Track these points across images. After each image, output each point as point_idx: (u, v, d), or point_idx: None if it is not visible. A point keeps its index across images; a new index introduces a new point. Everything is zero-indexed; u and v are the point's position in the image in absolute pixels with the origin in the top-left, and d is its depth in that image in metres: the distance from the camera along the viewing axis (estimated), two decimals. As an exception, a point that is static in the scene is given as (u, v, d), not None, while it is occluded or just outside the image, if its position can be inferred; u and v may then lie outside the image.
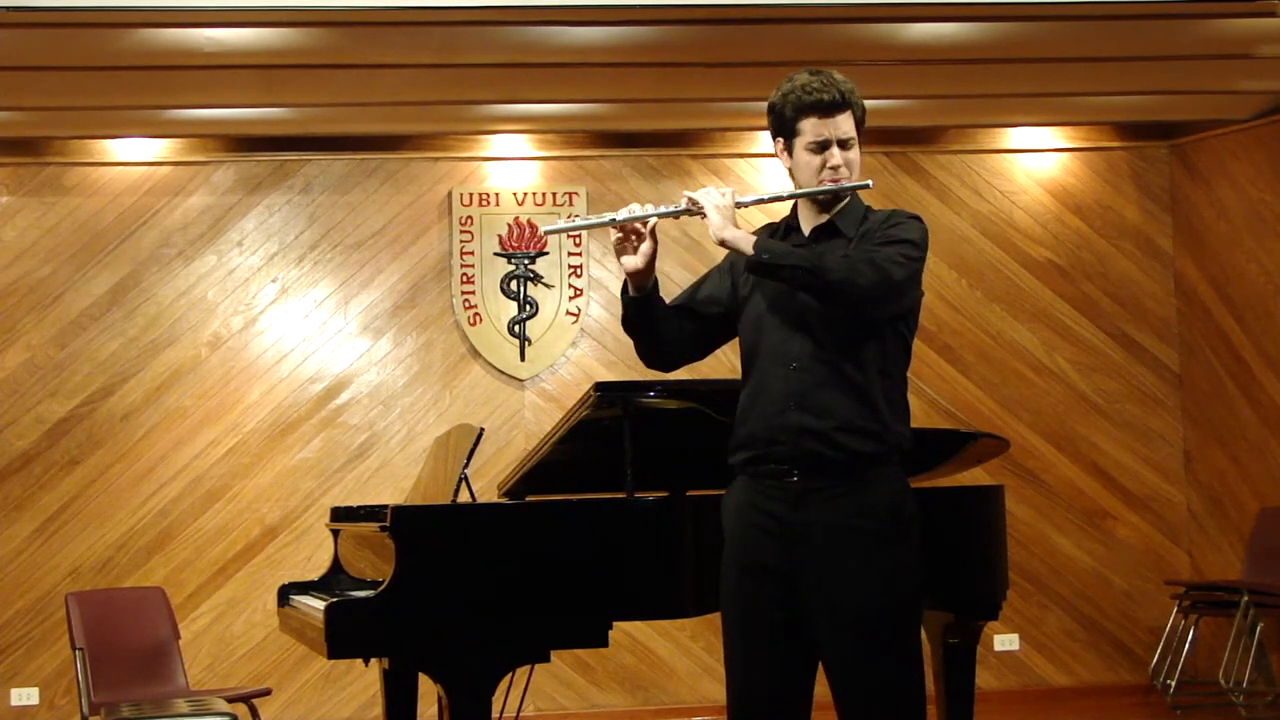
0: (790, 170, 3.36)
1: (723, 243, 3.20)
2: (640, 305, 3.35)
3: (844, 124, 3.28)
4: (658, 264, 3.40)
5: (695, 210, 3.24)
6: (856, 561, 3.18)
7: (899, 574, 3.22)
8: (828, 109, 3.25)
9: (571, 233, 3.50)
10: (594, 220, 3.36)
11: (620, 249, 3.31)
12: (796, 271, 3.15)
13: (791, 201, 3.42)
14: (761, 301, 3.31)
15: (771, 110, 3.34)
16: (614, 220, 3.27)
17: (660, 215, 3.28)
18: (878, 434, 3.23)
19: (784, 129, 3.32)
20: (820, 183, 3.28)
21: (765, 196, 3.37)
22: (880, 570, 3.19)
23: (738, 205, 3.25)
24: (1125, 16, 6.00)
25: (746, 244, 3.18)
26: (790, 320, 3.26)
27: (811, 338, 3.23)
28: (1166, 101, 7.54)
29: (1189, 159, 7.96)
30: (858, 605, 3.17)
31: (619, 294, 3.40)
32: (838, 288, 3.13)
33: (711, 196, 3.22)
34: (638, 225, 3.29)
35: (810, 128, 3.26)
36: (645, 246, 3.30)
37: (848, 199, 3.34)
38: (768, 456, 3.25)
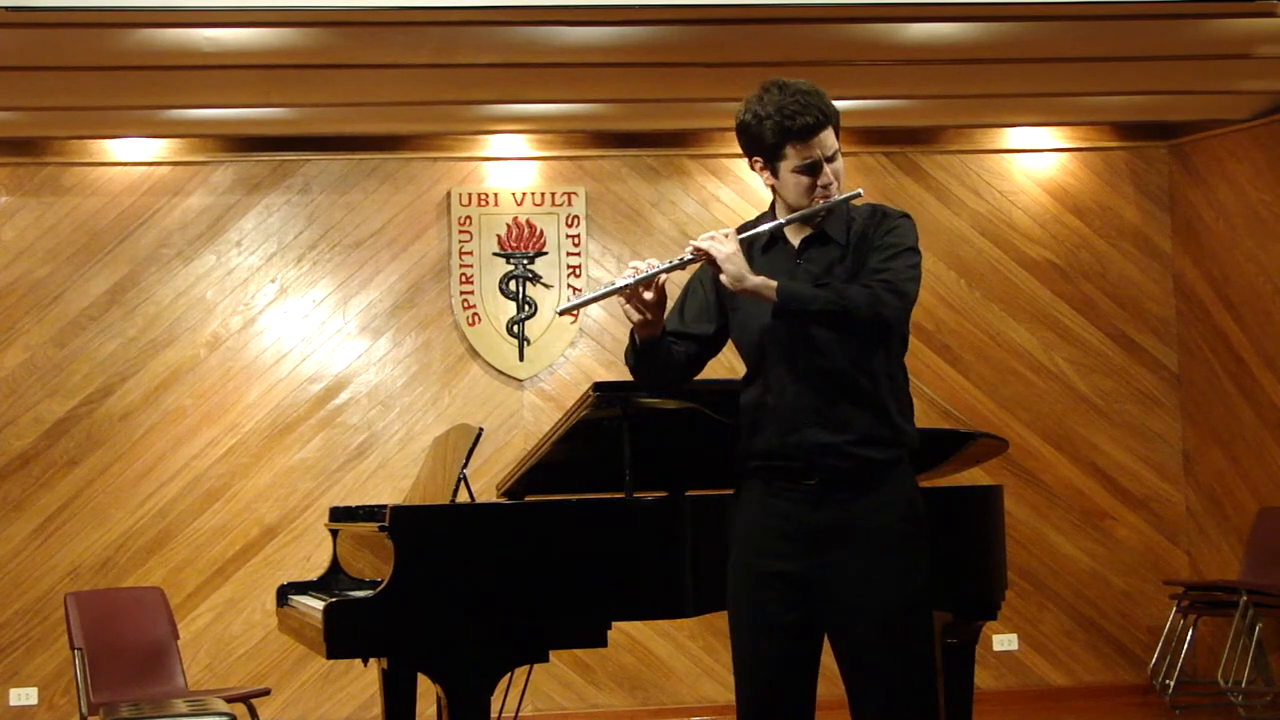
0: (774, 188, 3.33)
1: (744, 291, 3.14)
2: (648, 354, 3.31)
3: (828, 140, 3.24)
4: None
5: (701, 259, 3.18)
6: (876, 560, 3.19)
7: (915, 572, 3.24)
8: (813, 131, 3.21)
9: (585, 306, 3.47)
10: (606, 289, 3.25)
11: (629, 308, 3.23)
12: (825, 316, 3.14)
13: (770, 199, 3.40)
14: (758, 314, 3.26)
15: (746, 130, 3.29)
16: (627, 287, 3.18)
17: (668, 270, 3.20)
18: (893, 440, 3.25)
19: (764, 151, 3.27)
20: (813, 201, 3.25)
21: (764, 227, 3.31)
22: (898, 569, 3.21)
23: (739, 233, 3.21)
24: (1125, 16, 6.01)
25: (769, 291, 3.13)
26: (796, 334, 3.23)
27: (820, 352, 3.21)
28: (1165, 101, 7.54)
29: (1188, 159, 7.96)
30: (878, 603, 3.18)
31: (629, 336, 3.34)
32: (867, 323, 3.14)
33: (718, 244, 3.15)
34: (642, 287, 3.20)
35: (796, 152, 3.22)
36: (655, 306, 3.23)
37: None
38: (784, 469, 3.25)
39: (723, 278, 3.15)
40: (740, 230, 3.26)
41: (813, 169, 3.23)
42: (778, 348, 3.26)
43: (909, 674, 3.20)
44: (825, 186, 3.24)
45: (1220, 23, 6.16)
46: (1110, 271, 7.99)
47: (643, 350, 3.30)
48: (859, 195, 3.29)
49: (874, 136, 7.65)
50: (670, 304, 3.33)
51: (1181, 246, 7.99)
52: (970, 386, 7.85)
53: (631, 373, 3.39)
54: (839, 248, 3.28)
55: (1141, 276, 8.01)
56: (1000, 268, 7.92)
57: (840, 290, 3.17)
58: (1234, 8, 5.97)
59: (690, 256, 3.20)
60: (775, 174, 3.28)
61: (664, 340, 3.31)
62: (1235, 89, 7.27)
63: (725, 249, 3.15)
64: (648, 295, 3.21)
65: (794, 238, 3.33)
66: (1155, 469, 7.96)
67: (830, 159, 3.24)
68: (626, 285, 3.19)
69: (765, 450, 3.26)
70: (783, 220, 3.29)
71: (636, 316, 3.22)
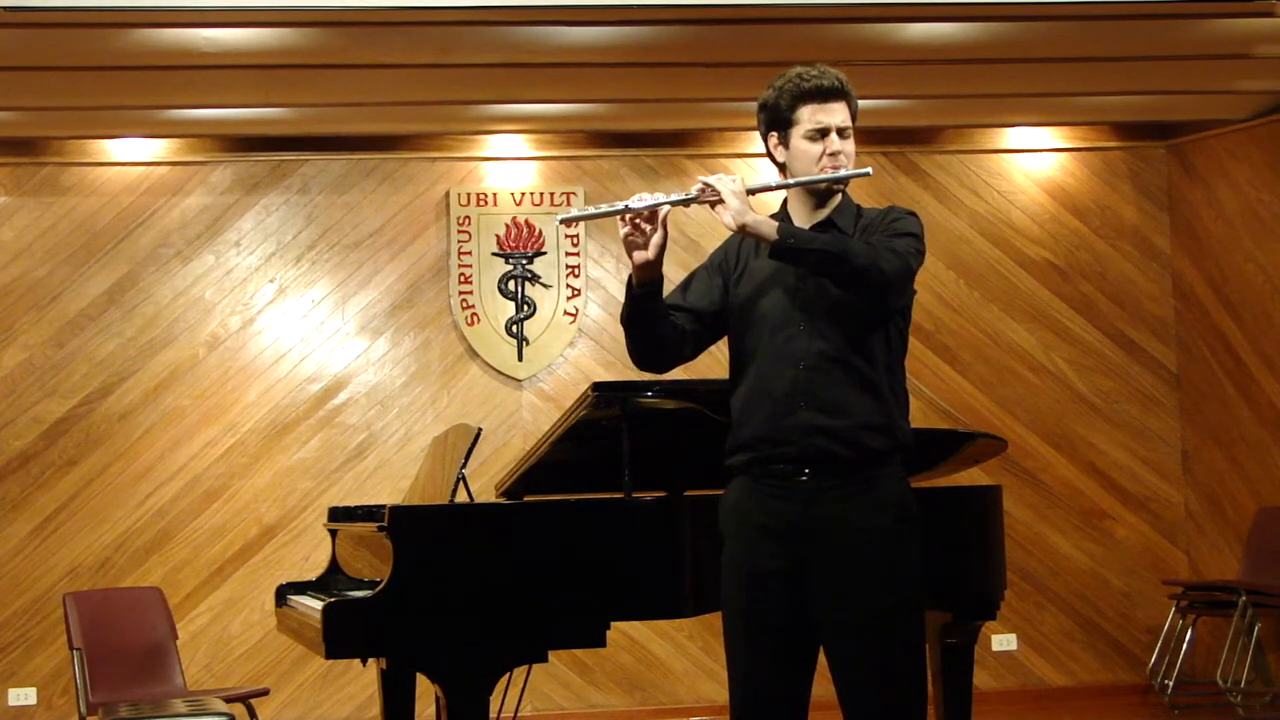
0: (784, 164, 3.32)
1: (743, 228, 3.12)
2: (644, 301, 3.27)
3: (841, 112, 3.26)
4: None
5: (708, 198, 3.17)
6: (869, 560, 3.18)
7: (908, 571, 3.23)
8: (826, 95, 3.24)
9: (585, 220, 3.40)
10: (606, 209, 3.24)
11: (630, 241, 3.22)
12: (823, 256, 3.11)
13: (781, 198, 3.40)
14: (760, 300, 3.28)
15: (764, 106, 3.32)
16: (628, 208, 3.18)
17: (674, 203, 3.20)
18: (889, 430, 3.23)
19: (779, 121, 3.29)
20: (821, 170, 3.25)
21: (772, 184, 3.30)
22: (891, 568, 3.20)
23: (748, 192, 3.19)
24: (1124, 16, 6.01)
25: (770, 229, 3.12)
26: (795, 320, 3.23)
27: (820, 336, 3.20)
28: (1164, 101, 7.54)
29: (1187, 159, 7.96)
30: (870, 604, 3.17)
31: (623, 288, 3.33)
32: (865, 273, 3.11)
33: (726, 183, 3.15)
34: (648, 214, 3.19)
35: (808, 115, 3.24)
36: (657, 237, 3.21)
37: (839, 196, 3.33)
38: (776, 457, 3.23)
39: (725, 214, 3.13)
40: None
41: (821, 134, 3.24)
42: (778, 335, 3.24)
43: (899, 675, 3.20)
44: (833, 155, 3.24)
45: (1219, 23, 6.16)
46: (1109, 271, 7.99)
47: (638, 296, 3.27)
48: (869, 172, 3.29)
49: (873, 136, 7.65)
50: (674, 274, 3.30)
51: (1180, 246, 7.99)
52: (969, 386, 7.85)
53: (625, 329, 3.33)
54: (846, 237, 3.28)
55: (1140, 276, 8.02)
56: (999, 268, 7.92)
57: (841, 238, 3.19)
58: (1233, 8, 5.97)
59: (695, 193, 3.19)
60: (787, 144, 3.29)
61: (660, 294, 3.29)
62: (1234, 89, 7.27)
63: (731, 186, 3.14)
64: (649, 226, 3.20)
65: (802, 224, 3.32)
66: (1154, 469, 7.96)
67: (841, 133, 3.26)
68: (628, 208, 3.18)
69: (756, 438, 3.24)
70: (790, 181, 3.28)
71: (637, 239, 3.20)
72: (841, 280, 3.14)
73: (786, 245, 3.12)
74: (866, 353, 3.22)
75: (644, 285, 3.26)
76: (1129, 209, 8.04)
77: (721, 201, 3.14)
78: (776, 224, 3.14)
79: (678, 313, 3.35)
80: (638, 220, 3.20)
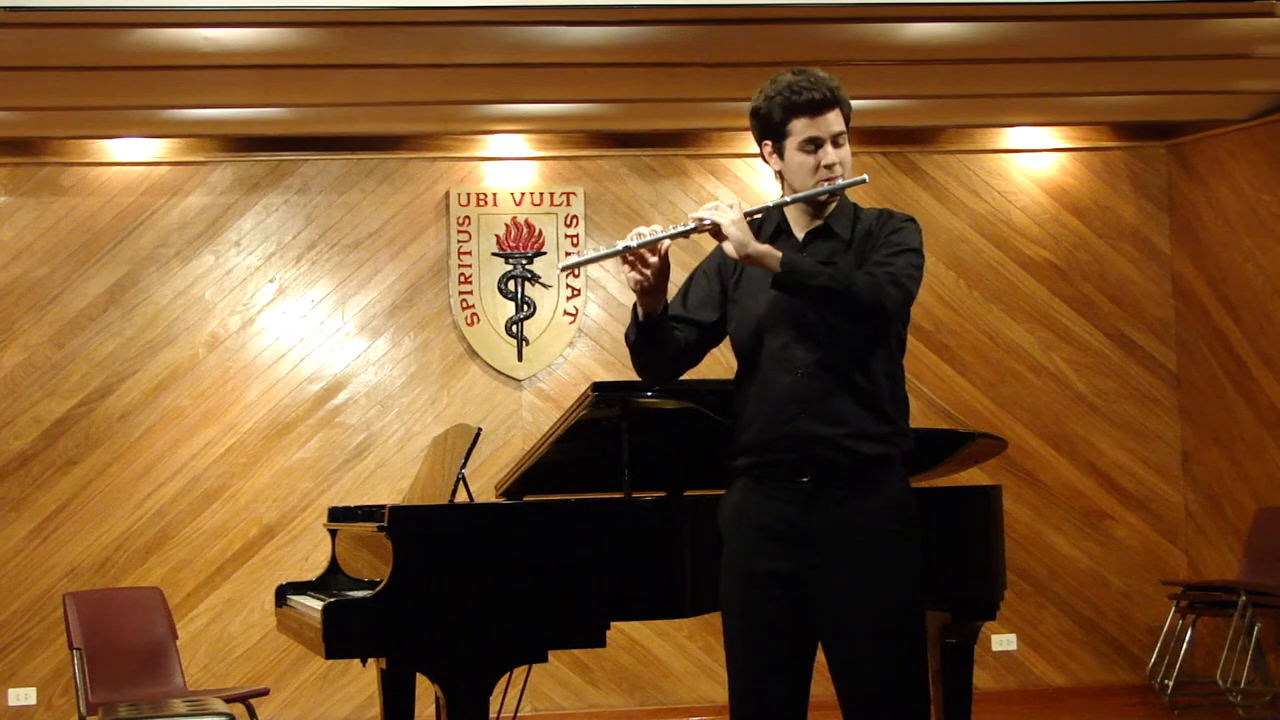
0: (779, 173, 3.32)
1: (747, 258, 3.13)
2: (651, 329, 3.29)
3: (834, 121, 3.25)
4: None
5: (706, 229, 3.16)
6: (869, 562, 3.18)
7: (908, 573, 3.24)
8: (819, 107, 3.23)
9: (586, 265, 3.40)
10: (606, 251, 3.23)
11: (632, 276, 3.22)
12: (826, 293, 3.12)
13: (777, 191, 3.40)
14: (758, 305, 3.28)
15: (756, 114, 3.31)
16: (627, 248, 3.18)
17: (671, 237, 3.19)
18: (888, 436, 3.24)
19: (772, 131, 3.28)
20: (817, 183, 3.25)
21: (770, 204, 3.30)
22: (892, 570, 3.20)
23: (745, 216, 3.18)
24: (1124, 16, 6.00)
25: (773, 260, 3.12)
26: (793, 326, 3.23)
27: (818, 344, 3.21)
28: (1164, 101, 7.54)
29: (1187, 159, 7.96)
30: (871, 605, 3.17)
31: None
32: (867, 309, 3.13)
33: (723, 213, 3.14)
34: (645, 252, 3.19)
35: (801, 127, 3.23)
36: (658, 273, 3.22)
37: (837, 198, 3.33)
38: (776, 463, 3.24)
39: (726, 245, 3.13)
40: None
41: (816, 145, 3.23)
42: (775, 340, 3.25)
43: (900, 677, 3.20)
44: (829, 167, 3.24)
45: (1219, 23, 6.16)
46: (1109, 271, 7.99)
47: (644, 325, 3.28)
48: (864, 180, 3.28)
49: (873, 136, 7.65)
50: (673, 286, 3.31)
51: (1180, 246, 7.99)
52: (969, 386, 7.85)
53: (631, 350, 3.36)
54: (843, 243, 3.28)
55: (1140, 276, 8.02)
56: (999, 268, 7.92)
57: (844, 270, 3.18)
58: (1233, 8, 5.97)
59: (694, 225, 3.18)
60: (781, 155, 3.29)
61: (666, 318, 3.30)
62: (1234, 89, 7.27)
63: (730, 215, 3.14)
64: (650, 260, 3.20)
65: (799, 231, 3.33)
66: (1154, 469, 7.96)
67: (835, 142, 3.25)
68: (628, 247, 3.18)
69: (756, 443, 3.26)
70: (787, 199, 3.28)
71: (638, 279, 3.20)
72: (842, 314, 3.16)
73: (789, 281, 3.12)
74: (864, 360, 3.22)
75: (648, 315, 3.28)
76: (1129, 209, 8.04)
77: (722, 233, 3.14)
78: (779, 255, 3.13)
79: (680, 324, 3.36)
80: (635, 259, 3.20)
